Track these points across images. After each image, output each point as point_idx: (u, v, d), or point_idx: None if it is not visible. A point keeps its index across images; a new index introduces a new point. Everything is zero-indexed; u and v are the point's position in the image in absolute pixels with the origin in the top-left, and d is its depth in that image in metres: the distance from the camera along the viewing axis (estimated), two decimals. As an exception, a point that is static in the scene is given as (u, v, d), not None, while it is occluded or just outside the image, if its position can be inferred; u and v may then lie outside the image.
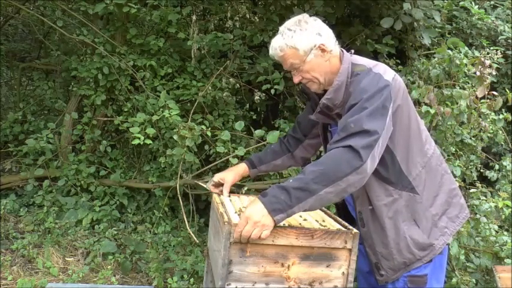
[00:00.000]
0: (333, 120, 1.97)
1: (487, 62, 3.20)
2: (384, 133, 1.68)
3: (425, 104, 3.15)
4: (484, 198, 3.39)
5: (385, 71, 1.83)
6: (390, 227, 1.88)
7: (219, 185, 2.20)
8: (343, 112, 1.79)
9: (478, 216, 3.22)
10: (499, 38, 4.68)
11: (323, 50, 1.87)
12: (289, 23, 1.91)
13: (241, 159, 3.54)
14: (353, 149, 1.60)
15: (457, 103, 3.20)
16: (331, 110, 1.89)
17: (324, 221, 1.87)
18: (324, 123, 2.09)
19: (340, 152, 1.62)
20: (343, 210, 2.15)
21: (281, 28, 1.91)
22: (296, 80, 1.92)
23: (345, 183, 1.58)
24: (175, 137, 3.26)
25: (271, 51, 1.93)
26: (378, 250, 1.91)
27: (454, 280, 2.88)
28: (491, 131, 3.51)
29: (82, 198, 3.82)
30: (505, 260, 3.03)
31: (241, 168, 2.25)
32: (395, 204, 1.87)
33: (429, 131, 3.26)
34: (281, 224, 1.72)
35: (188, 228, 3.18)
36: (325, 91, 1.93)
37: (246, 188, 3.29)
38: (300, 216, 1.92)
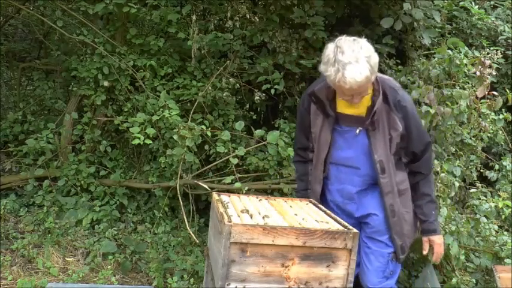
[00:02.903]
0: (357, 123, 2.22)
1: (487, 62, 3.20)
2: None
3: (425, 104, 3.15)
4: (484, 198, 3.39)
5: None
6: (411, 210, 2.29)
7: None
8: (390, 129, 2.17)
9: (478, 216, 3.22)
10: (499, 38, 4.68)
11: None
12: (354, 48, 1.95)
13: (241, 159, 3.54)
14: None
15: (457, 103, 3.20)
16: (376, 114, 2.12)
17: (324, 221, 1.87)
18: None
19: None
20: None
21: (349, 57, 1.93)
22: (358, 100, 2.09)
23: None
24: (175, 137, 3.26)
25: (350, 81, 1.93)
26: (405, 232, 2.27)
27: (454, 280, 2.88)
28: (491, 131, 3.51)
29: (82, 198, 3.82)
30: (505, 260, 3.02)
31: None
32: (409, 193, 2.29)
33: (429, 131, 3.28)
34: (281, 224, 1.72)
35: (188, 228, 3.18)
36: (334, 96, 2.22)
37: (246, 188, 3.30)
38: (296, 215, 1.92)
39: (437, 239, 2.28)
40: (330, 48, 2.00)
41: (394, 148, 2.19)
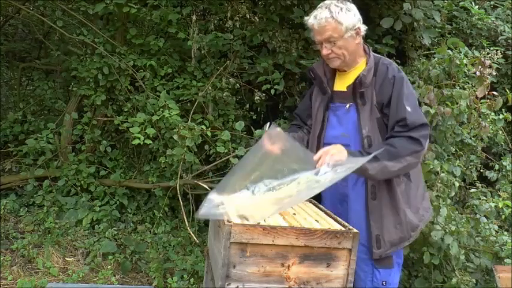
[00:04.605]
0: (347, 99, 2.23)
1: (487, 62, 3.20)
2: None
3: (426, 104, 3.14)
4: (484, 198, 3.39)
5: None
6: (398, 202, 2.14)
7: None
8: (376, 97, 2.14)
9: (478, 216, 3.22)
10: (499, 38, 4.67)
11: (357, 33, 2.16)
12: (335, 2, 2.13)
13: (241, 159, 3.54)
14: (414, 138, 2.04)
15: (457, 103, 3.20)
16: (361, 86, 2.14)
17: (324, 221, 1.87)
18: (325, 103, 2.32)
19: (405, 140, 2.04)
20: None
21: (326, 2, 2.15)
22: (325, 52, 2.15)
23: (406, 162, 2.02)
24: (175, 137, 3.26)
25: (312, 20, 2.12)
26: (385, 223, 2.11)
27: (454, 280, 2.88)
28: (491, 131, 3.50)
29: (82, 198, 3.82)
30: (505, 260, 3.03)
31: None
32: (400, 186, 2.15)
33: (429, 131, 3.27)
34: (281, 224, 1.72)
35: (188, 228, 3.18)
36: (333, 75, 2.29)
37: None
38: (294, 214, 1.92)
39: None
40: None
41: (384, 127, 2.13)
